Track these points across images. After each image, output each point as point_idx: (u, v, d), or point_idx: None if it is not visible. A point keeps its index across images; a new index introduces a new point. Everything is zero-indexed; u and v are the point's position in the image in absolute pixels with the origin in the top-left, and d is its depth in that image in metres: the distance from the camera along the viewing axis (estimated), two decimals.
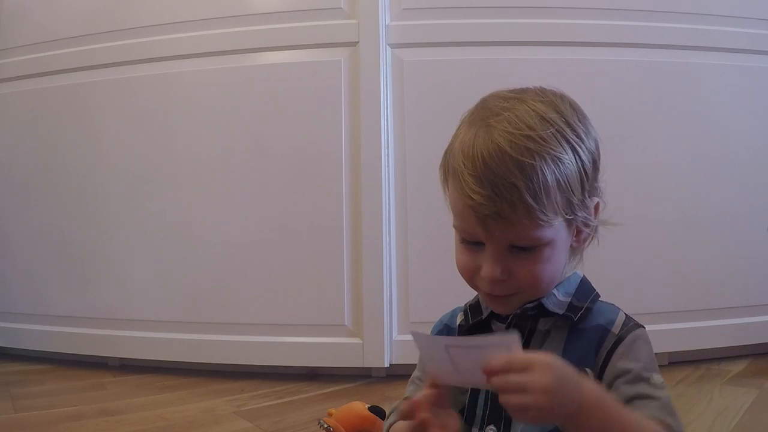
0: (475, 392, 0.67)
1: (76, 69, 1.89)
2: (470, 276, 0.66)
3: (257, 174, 1.74)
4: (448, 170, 0.66)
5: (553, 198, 0.60)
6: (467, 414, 0.67)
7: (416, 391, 0.73)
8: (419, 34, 1.71)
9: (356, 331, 1.69)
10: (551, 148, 0.60)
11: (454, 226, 0.66)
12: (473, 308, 0.72)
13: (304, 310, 1.71)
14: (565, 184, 0.61)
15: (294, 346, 1.71)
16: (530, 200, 0.59)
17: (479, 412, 0.66)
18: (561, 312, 0.65)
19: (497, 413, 0.65)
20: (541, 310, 0.66)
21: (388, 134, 1.69)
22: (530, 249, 0.62)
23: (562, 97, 0.66)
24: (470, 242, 0.64)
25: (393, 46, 1.71)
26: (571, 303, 0.66)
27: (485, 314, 0.70)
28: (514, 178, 0.58)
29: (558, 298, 0.66)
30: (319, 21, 1.72)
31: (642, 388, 0.60)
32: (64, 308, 1.90)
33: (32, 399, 1.54)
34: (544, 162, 0.59)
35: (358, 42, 1.70)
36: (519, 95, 0.65)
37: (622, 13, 1.71)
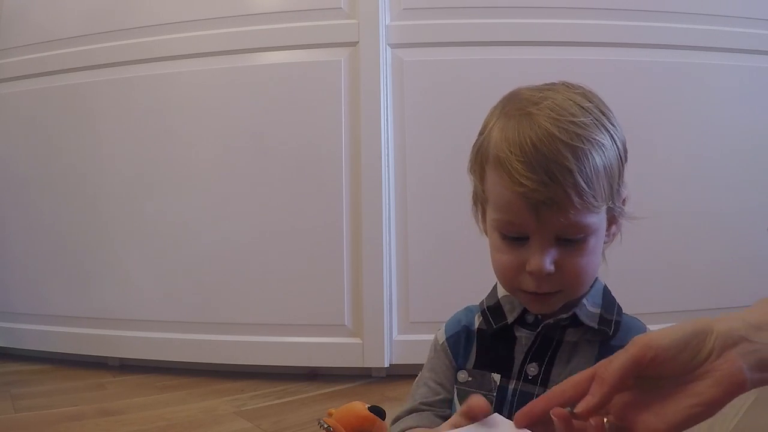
0: (499, 404, 0.64)
1: (76, 69, 1.89)
2: (514, 275, 0.63)
3: (257, 174, 1.74)
4: (486, 163, 0.63)
5: (601, 183, 0.59)
6: None
7: (429, 396, 0.70)
8: (419, 34, 1.71)
9: (356, 331, 1.69)
10: (594, 135, 0.59)
11: (494, 222, 0.63)
12: (494, 311, 0.68)
13: (304, 310, 1.71)
14: (609, 169, 0.60)
15: (294, 346, 1.71)
16: (583, 184, 0.57)
17: None
18: (594, 325, 0.64)
19: None
20: (572, 321, 0.64)
21: (388, 134, 1.69)
22: (576, 240, 0.61)
23: (589, 90, 0.65)
24: (513, 238, 0.62)
25: (393, 46, 1.71)
26: (601, 315, 0.65)
27: (510, 319, 0.67)
28: (567, 162, 0.57)
29: (588, 309, 0.65)
30: (319, 21, 1.72)
31: None
32: (64, 308, 1.90)
33: (32, 399, 1.54)
34: (591, 146, 0.59)
35: (358, 42, 1.70)
36: (550, 87, 0.64)
37: (622, 13, 1.71)
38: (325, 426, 1.15)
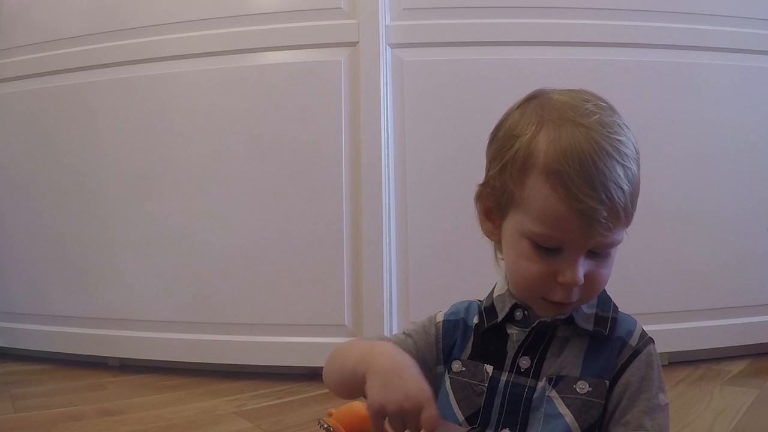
0: (491, 395, 0.66)
1: (76, 69, 1.89)
2: (543, 284, 0.62)
3: (257, 174, 1.74)
4: (531, 170, 0.60)
5: (636, 200, 0.62)
6: (482, 416, 0.66)
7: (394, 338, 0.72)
8: (419, 34, 1.71)
9: (356, 331, 1.68)
10: (634, 154, 0.61)
11: (533, 233, 0.61)
12: (489, 311, 0.70)
13: (304, 310, 1.71)
14: (639, 187, 0.62)
15: (294, 346, 1.70)
16: (630, 204, 0.60)
17: (494, 415, 0.65)
18: (590, 327, 0.65)
19: (513, 416, 0.64)
20: (567, 321, 0.66)
21: (388, 134, 1.69)
22: (604, 253, 0.62)
23: (608, 102, 0.66)
24: (547, 249, 0.61)
25: (393, 46, 1.71)
26: (596, 315, 0.66)
27: (500, 317, 0.68)
28: (621, 182, 0.59)
29: (584, 311, 0.66)
30: (319, 21, 1.72)
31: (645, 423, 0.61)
32: (64, 308, 1.90)
33: (32, 399, 1.54)
34: (635, 166, 0.61)
35: (358, 42, 1.70)
36: (583, 97, 0.63)
37: (622, 13, 1.71)
38: (325, 426, 1.15)
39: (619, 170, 0.59)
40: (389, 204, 1.69)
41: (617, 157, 0.59)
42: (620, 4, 1.71)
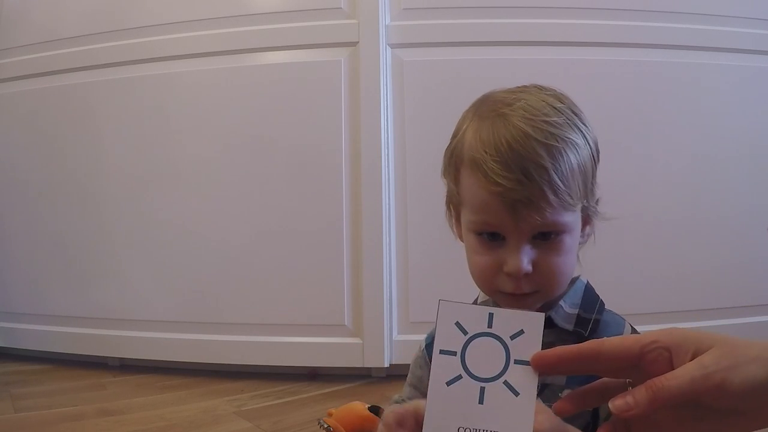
0: None
1: (76, 69, 1.89)
2: (491, 275, 0.63)
3: (257, 174, 1.74)
4: (461, 165, 0.64)
5: (575, 181, 0.60)
6: None
7: (407, 394, 0.73)
8: (419, 34, 1.71)
9: (356, 331, 1.69)
10: (568, 134, 0.60)
11: (471, 224, 0.63)
12: None
13: (304, 310, 1.71)
14: (583, 168, 0.61)
15: (294, 346, 1.71)
16: (559, 182, 0.58)
17: None
18: (570, 327, 0.64)
19: None
20: (547, 323, 0.65)
21: (388, 134, 1.69)
22: (552, 239, 0.61)
23: (561, 92, 0.66)
24: (489, 239, 0.62)
25: (393, 46, 1.71)
26: (578, 316, 0.65)
27: None
28: (542, 160, 0.58)
29: (565, 311, 0.65)
30: (319, 21, 1.72)
31: None
32: (64, 308, 1.90)
33: (32, 399, 1.54)
34: (566, 145, 0.59)
35: (358, 42, 1.70)
36: (522, 89, 0.65)
37: (622, 13, 1.71)
38: (325, 426, 1.15)
39: (541, 149, 0.58)
40: (389, 204, 1.69)
41: (538, 137, 0.58)
42: (620, 4, 1.71)
